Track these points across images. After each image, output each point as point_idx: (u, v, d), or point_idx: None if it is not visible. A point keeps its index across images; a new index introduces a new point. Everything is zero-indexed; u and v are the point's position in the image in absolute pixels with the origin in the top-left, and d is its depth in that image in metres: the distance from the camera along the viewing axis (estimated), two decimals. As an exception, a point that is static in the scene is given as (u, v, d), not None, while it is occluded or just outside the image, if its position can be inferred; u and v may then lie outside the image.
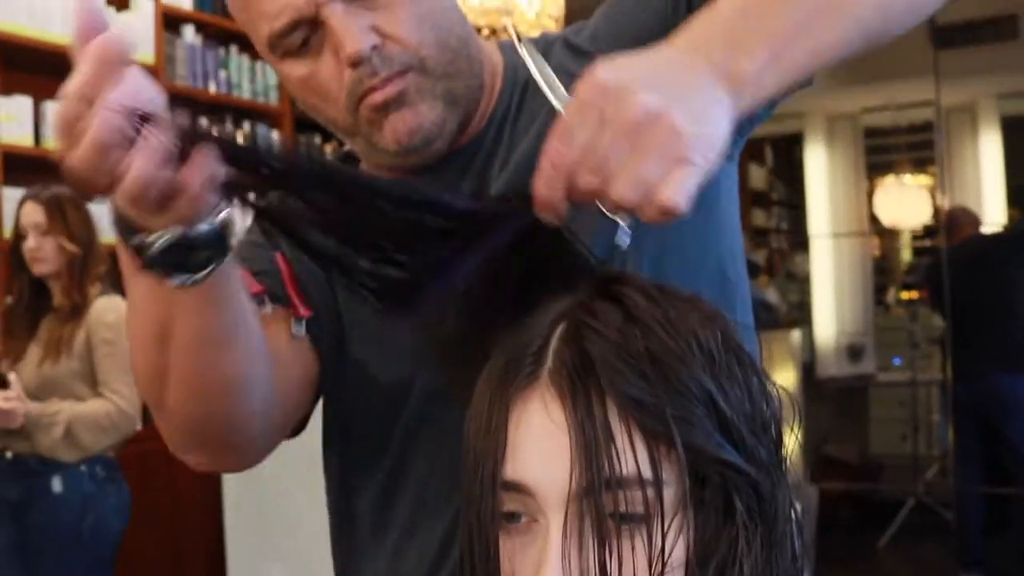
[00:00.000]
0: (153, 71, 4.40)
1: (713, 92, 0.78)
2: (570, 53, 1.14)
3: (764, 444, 0.74)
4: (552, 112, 0.87)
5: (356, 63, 1.01)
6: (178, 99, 0.79)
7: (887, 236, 9.53)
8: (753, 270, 5.63)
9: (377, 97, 1.03)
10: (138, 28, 4.36)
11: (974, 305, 5.53)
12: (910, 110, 9.12)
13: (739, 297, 1.15)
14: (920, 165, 9.34)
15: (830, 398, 8.38)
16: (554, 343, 0.74)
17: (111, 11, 4.27)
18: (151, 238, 0.83)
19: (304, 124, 5.07)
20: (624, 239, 0.79)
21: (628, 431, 0.70)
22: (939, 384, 7.08)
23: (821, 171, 8.99)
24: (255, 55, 3.60)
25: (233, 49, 4.91)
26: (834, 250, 8.90)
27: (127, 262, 0.87)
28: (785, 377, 6.31)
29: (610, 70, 0.78)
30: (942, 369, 6.54)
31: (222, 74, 4.86)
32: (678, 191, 0.74)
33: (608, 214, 0.77)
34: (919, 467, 6.98)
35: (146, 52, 4.38)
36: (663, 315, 0.73)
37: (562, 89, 0.89)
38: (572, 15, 5.14)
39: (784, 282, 9.21)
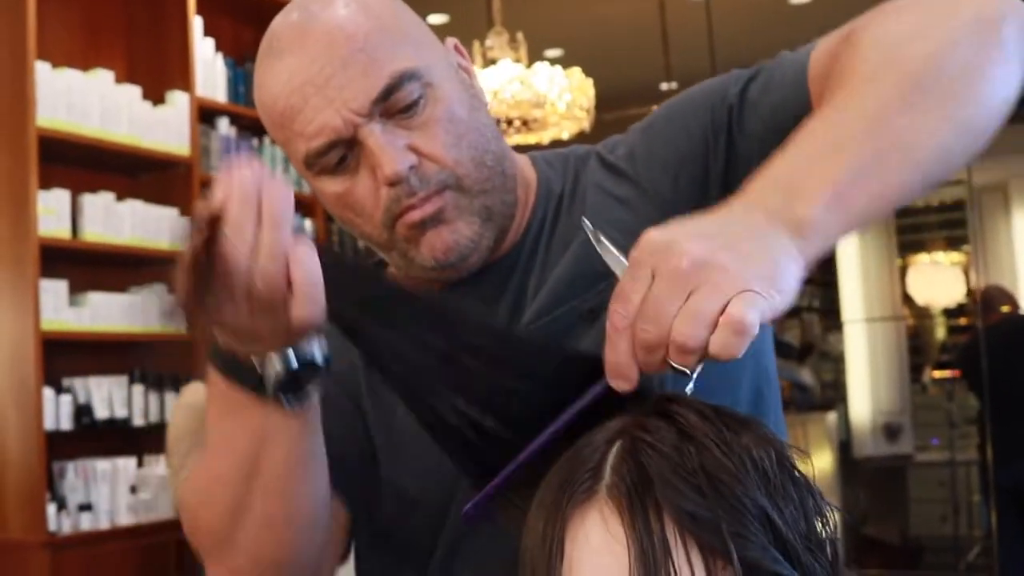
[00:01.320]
0: (188, 163, 4.48)
1: (770, 237, 0.78)
2: (606, 171, 1.15)
3: (820, 563, 0.74)
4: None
5: (394, 183, 1.02)
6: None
7: (921, 315, 9.47)
8: (787, 351, 5.60)
9: (415, 215, 1.05)
10: (173, 121, 4.44)
11: (1011, 385, 5.48)
12: (942, 188, 9.12)
13: (772, 417, 1.16)
14: (953, 243, 9.31)
15: (867, 478, 8.29)
16: (611, 459, 0.75)
17: (147, 105, 4.35)
18: (269, 362, 0.89)
19: (337, 212, 5.12)
20: (690, 387, 0.79)
21: (685, 545, 0.70)
22: (978, 464, 6.99)
23: (853, 249, 8.96)
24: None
25: (267, 140, 4.98)
26: (868, 330, 8.85)
27: (219, 400, 0.94)
28: (822, 458, 6.25)
29: (661, 230, 0.78)
30: (979, 449, 6.46)
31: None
32: (746, 309, 0.73)
33: (676, 367, 0.76)
34: (960, 548, 6.87)
35: (181, 144, 4.46)
36: (717, 433, 0.74)
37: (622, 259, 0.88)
38: (600, 103, 5.20)
39: (818, 361, 9.16)
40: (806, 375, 7.31)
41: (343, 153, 1.04)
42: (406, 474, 1.13)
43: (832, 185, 0.82)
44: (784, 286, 0.76)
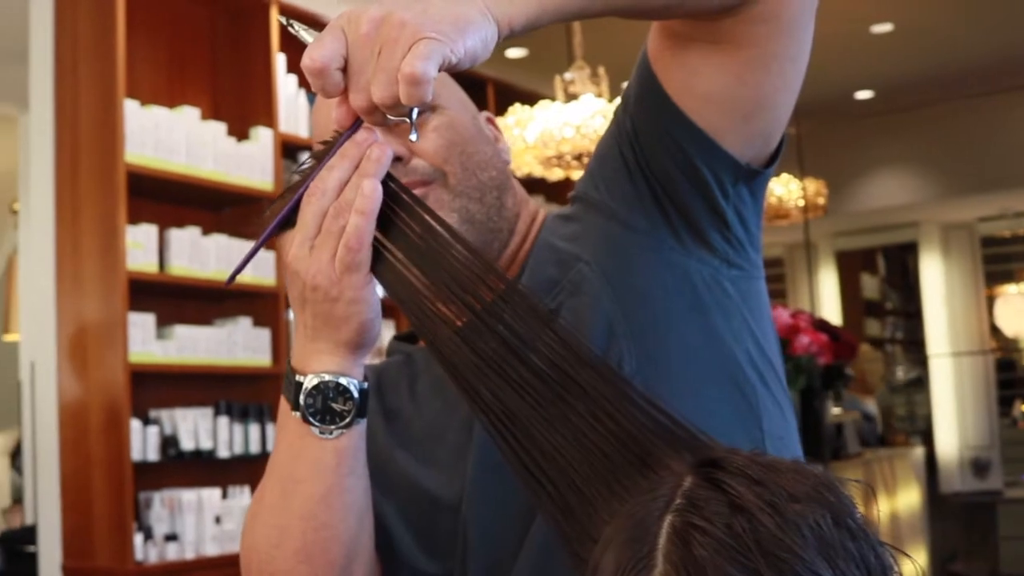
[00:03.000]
0: (272, 197, 4.54)
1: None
2: (568, 200, 1.21)
3: None
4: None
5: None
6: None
7: (1009, 347, 9.27)
8: (845, 380, 5.52)
9: None
10: (257, 156, 4.51)
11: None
12: (1030, 218, 8.94)
13: (766, 404, 1.13)
14: (1041, 273, 9.12)
15: (955, 514, 8.12)
16: (662, 544, 0.72)
17: (232, 141, 4.43)
18: (305, 378, 0.95)
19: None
20: (413, 136, 0.92)
21: None
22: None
23: (938, 281, 8.82)
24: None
25: (348, 174, 5.04)
26: (955, 362, 8.67)
27: (281, 416, 0.99)
28: (909, 494, 6.12)
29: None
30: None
31: (337, 198, 4.98)
32: (414, 61, 0.78)
33: (393, 120, 0.85)
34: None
35: (265, 179, 4.53)
36: (769, 502, 0.71)
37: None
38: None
39: (889, 394, 9.00)
40: (871, 405, 7.18)
41: None
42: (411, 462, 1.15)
43: None
44: (469, 31, 0.81)
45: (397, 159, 1.07)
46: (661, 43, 1.06)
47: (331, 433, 0.97)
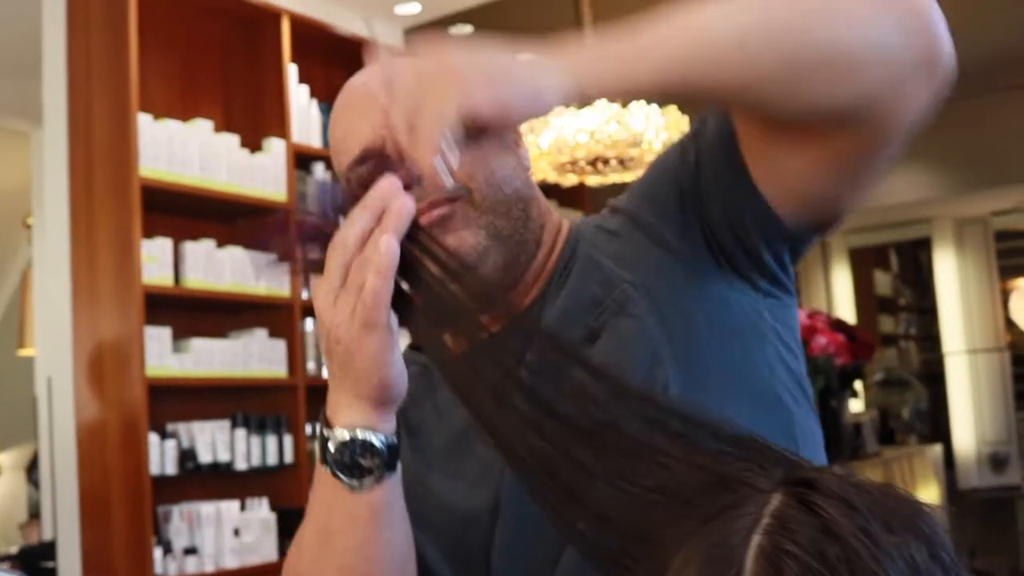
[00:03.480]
0: (286, 208, 4.54)
1: (525, 62, 0.86)
2: (608, 212, 1.20)
3: None
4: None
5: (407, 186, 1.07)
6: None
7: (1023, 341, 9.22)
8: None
9: (422, 220, 1.08)
10: (271, 167, 4.50)
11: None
12: (1043, 211, 8.90)
13: (801, 426, 1.13)
14: (1056, 267, 9.08)
15: (974, 510, 8.08)
16: (749, 565, 0.70)
17: (245, 152, 4.42)
18: (332, 432, 0.95)
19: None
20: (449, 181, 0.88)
21: None
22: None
23: (952, 276, 8.78)
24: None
25: (361, 182, 5.03)
26: (970, 358, 8.64)
27: (317, 463, 0.98)
28: (928, 491, 6.10)
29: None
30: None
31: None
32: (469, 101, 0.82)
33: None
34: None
35: (278, 190, 4.52)
36: (863, 528, 0.69)
37: None
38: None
39: (901, 392, 8.97)
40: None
41: (373, 167, 1.08)
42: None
43: (620, 42, 0.89)
44: (518, 85, 0.84)
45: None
46: (749, 121, 1.03)
47: (361, 487, 0.95)
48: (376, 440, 0.95)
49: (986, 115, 8.06)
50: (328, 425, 0.96)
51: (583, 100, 0.88)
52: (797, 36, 0.90)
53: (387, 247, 0.89)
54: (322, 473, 0.97)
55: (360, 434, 0.94)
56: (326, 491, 0.98)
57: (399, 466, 0.97)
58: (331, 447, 0.95)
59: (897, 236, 9.54)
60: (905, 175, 8.55)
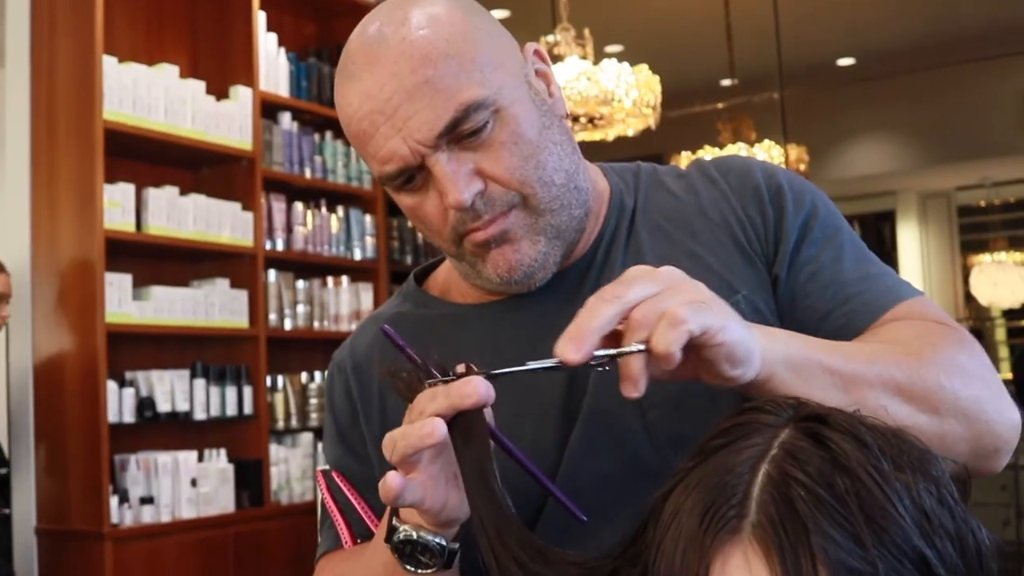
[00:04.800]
0: (251, 157, 4.49)
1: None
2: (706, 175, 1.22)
3: None
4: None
5: (460, 209, 1.04)
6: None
7: (981, 317, 9.32)
8: None
9: (479, 236, 1.07)
10: (237, 116, 4.45)
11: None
12: (1004, 187, 8.98)
13: None
14: (1016, 243, 9.16)
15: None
16: (756, 492, 0.69)
17: (211, 100, 4.36)
18: (400, 527, 0.97)
19: (397, 208, 5.11)
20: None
21: None
22: (1041, 469, 6.89)
23: (914, 250, 8.85)
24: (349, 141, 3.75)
25: (328, 135, 4.98)
26: (929, 330, 8.71)
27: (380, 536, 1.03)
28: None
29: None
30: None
31: (317, 160, 4.93)
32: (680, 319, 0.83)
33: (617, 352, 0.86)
34: (1023, 554, 6.75)
35: (244, 139, 4.47)
36: (875, 466, 0.69)
37: None
38: (668, 100, 5.15)
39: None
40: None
41: (412, 174, 1.05)
42: None
43: (810, 348, 0.96)
44: (735, 323, 0.87)
45: (476, 194, 1.05)
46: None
47: (417, 572, 0.98)
48: (436, 546, 0.97)
49: (952, 89, 8.10)
50: (397, 514, 0.98)
51: (768, 362, 0.91)
52: (936, 408, 0.98)
53: (432, 427, 0.89)
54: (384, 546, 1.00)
55: (421, 536, 0.97)
56: (388, 559, 1.00)
57: (454, 564, 1.00)
58: (395, 538, 0.97)
59: (863, 208, 9.60)
60: (871, 147, 8.58)
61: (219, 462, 4.34)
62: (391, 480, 0.90)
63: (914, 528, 0.67)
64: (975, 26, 7.45)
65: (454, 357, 0.97)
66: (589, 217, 1.15)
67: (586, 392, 1.10)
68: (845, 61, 8.12)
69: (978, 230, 9.31)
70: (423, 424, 0.89)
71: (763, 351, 0.90)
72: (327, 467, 1.24)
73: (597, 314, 0.85)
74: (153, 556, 4.00)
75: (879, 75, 8.15)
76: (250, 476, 4.43)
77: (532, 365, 0.88)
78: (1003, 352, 9.33)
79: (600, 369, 0.86)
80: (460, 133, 1.02)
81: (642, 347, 0.84)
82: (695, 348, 0.85)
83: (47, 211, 4.09)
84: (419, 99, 1.01)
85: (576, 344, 0.84)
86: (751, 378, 0.89)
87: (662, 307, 0.84)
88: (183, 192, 4.30)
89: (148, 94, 4.12)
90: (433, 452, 0.92)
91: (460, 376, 0.90)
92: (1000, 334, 9.58)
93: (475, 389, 0.88)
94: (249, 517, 4.38)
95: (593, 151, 1.21)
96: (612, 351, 0.85)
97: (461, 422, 0.89)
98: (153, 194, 4.16)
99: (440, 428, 0.88)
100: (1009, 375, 7.46)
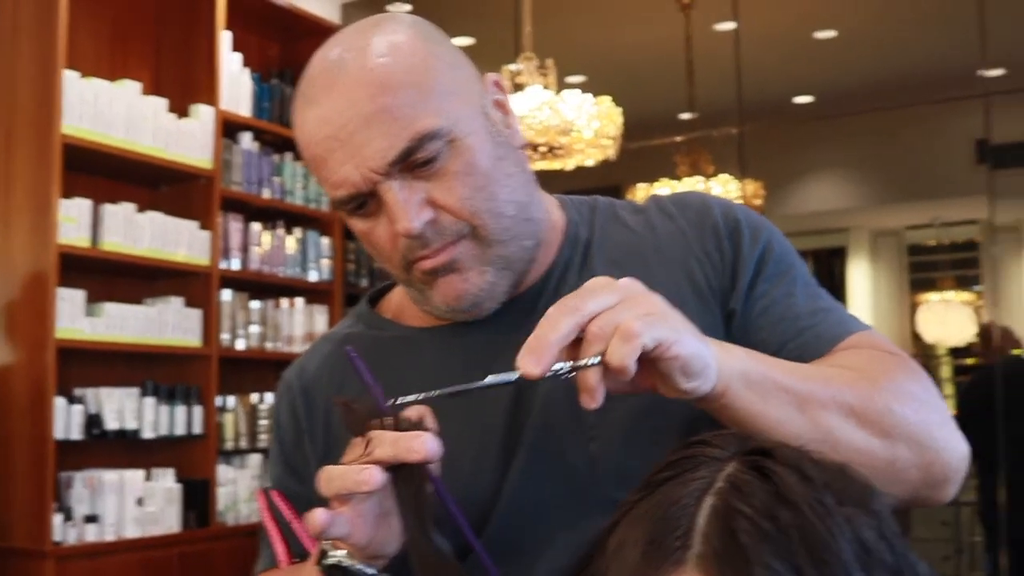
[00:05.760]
0: (210, 176, 4.47)
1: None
2: (667, 208, 1.23)
3: None
4: None
5: (408, 238, 1.05)
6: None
7: (928, 354, 9.43)
8: None
9: (427, 264, 1.07)
10: (197, 134, 4.43)
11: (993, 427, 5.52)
12: (954, 228, 9.12)
13: None
14: (964, 283, 9.29)
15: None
16: (701, 524, 0.70)
17: (172, 117, 4.34)
18: (330, 552, 0.96)
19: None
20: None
21: None
22: (978, 506, 6.99)
23: (865, 286, 8.95)
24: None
25: (288, 156, 4.97)
26: (876, 366, 8.80)
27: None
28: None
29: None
30: (978, 491, 6.48)
31: (276, 180, 4.91)
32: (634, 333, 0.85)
33: (577, 365, 0.87)
34: (962, 590, 6.85)
35: (204, 157, 4.45)
36: (817, 499, 0.70)
37: None
38: (627, 132, 5.19)
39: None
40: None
41: (365, 199, 1.06)
42: None
43: (767, 366, 0.98)
44: (689, 336, 0.89)
45: (426, 223, 1.05)
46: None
47: None
48: (363, 571, 0.96)
49: (904, 129, 8.22)
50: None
51: (725, 377, 0.93)
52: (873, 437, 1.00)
53: (370, 475, 0.90)
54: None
55: (350, 563, 0.96)
56: None
57: None
58: (324, 562, 0.97)
59: (815, 244, 9.69)
60: (826, 184, 8.69)
61: (166, 481, 4.30)
62: (316, 516, 0.91)
63: (854, 562, 0.68)
64: (929, 70, 7.58)
65: (406, 381, 0.98)
66: (542, 247, 1.15)
67: (530, 416, 1.10)
68: (803, 99, 8.21)
69: (927, 269, 9.42)
70: (361, 470, 0.89)
71: (720, 365, 0.92)
72: (268, 485, 1.23)
73: (556, 326, 0.87)
74: (96, 575, 3.96)
75: (836, 114, 8.25)
76: (197, 496, 4.40)
77: (491, 379, 0.89)
78: (948, 389, 9.44)
79: (564, 379, 0.88)
80: (413, 162, 1.03)
81: (597, 360, 0.86)
82: (651, 360, 0.87)
83: (1, 223, 4.04)
84: (374, 127, 1.02)
85: (535, 356, 0.86)
86: (707, 391, 0.91)
87: (617, 320, 0.86)
88: (140, 209, 4.27)
89: (109, 109, 4.10)
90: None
91: (411, 425, 0.91)
92: (946, 371, 9.68)
93: (423, 446, 0.88)
94: (195, 538, 4.34)
95: (551, 180, 1.22)
96: (568, 364, 0.87)
97: (405, 470, 0.90)
98: (110, 210, 4.13)
99: (377, 478, 0.89)
100: (954, 412, 7.56)
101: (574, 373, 0.87)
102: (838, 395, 0.98)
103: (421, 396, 0.92)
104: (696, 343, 0.89)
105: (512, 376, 0.88)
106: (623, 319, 0.86)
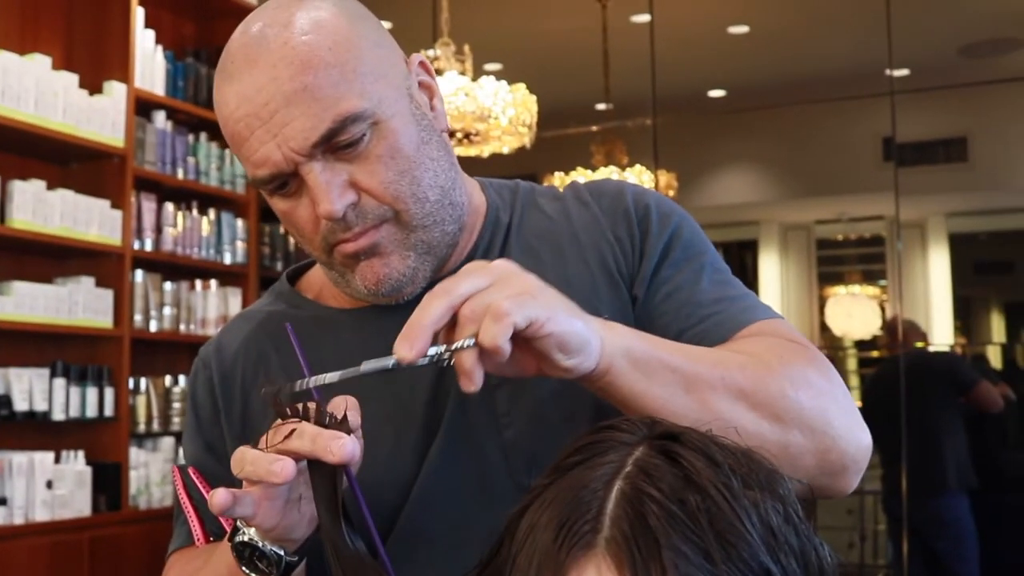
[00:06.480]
0: (122, 154, 4.40)
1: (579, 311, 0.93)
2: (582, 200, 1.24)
3: None
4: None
5: (330, 220, 1.04)
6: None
7: (834, 346, 9.61)
8: None
9: (349, 248, 1.07)
10: (110, 111, 4.36)
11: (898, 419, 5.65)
12: (861, 223, 9.30)
13: None
14: (870, 277, 9.48)
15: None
16: (610, 508, 0.71)
17: (83, 93, 4.26)
18: (242, 528, 0.96)
19: (270, 213, 5.06)
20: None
21: None
22: (881, 495, 7.14)
23: (775, 280, 9.09)
24: (224, 143, 3.66)
25: (203, 136, 4.91)
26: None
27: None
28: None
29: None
30: (882, 480, 6.62)
31: (191, 161, 4.85)
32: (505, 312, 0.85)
33: (450, 349, 0.87)
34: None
35: (116, 135, 4.38)
36: (725, 483, 0.71)
37: None
38: (543, 121, 5.21)
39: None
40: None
41: (286, 180, 1.05)
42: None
43: (653, 345, 0.97)
44: (563, 313, 0.88)
45: (348, 206, 1.04)
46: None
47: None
48: (272, 551, 0.96)
49: (814, 126, 8.37)
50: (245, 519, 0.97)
51: (608, 354, 0.92)
52: (771, 420, 0.99)
53: (282, 467, 0.88)
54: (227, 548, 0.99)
55: (260, 542, 0.96)
56: (230, 560, 0.99)
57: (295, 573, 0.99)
58: (236, 539, 0.96)
59: (726, 236, 9.81)
60: (737, 178, 8.82)
61: (76, 464, 4.22)
62: (218, 496, 0.90)
63: (761, 545, 0.70)
64: (838, 68, 7.73)
65: (324, 362, 0.98)
66: (464, 231, 1.16)
67: (447, 404, 1.11)
68: (716, 93, 8.32)
69: (835, 263, 9.59)
70: (274, 460, 0.88)
71: (602, 343, 0.91)
72: (184, 463, 1.22)
73: (428, 310, 0.86)
74: (3, 559, 3.86)
75: (747, 108, 8.38)
76: (108, 479, 4.32)
77: (367, 365, 0.88)
78: (854, 381, 9.63)
79: (443, 365, 0.88)
80: (336, 144, 1.02)
81: (471, 342, 0.85)
82: (528, 340, 0.87)
83: (-95, 199, 3.94)
84: (296, 106, 1.00)
85: (409, 342, 0.85)
86: (589, 368, 0.90)
87: (487, 300, 0.86)
88: (50, 186, 4.19)
89: (18, 84, 4.01)
90: None
91: (335, 421, 0.90)
92: (852, 364, 9.87)
93: (341, 449, 0.87)
94: (106, 521, 4.27)
95: (468, 167, 1.22)
96: (443, 347, 0.87)
97: (321, 465, 0.89)
98: (19, 187, 4.05)
99: (288, 471, 0.88)
100: (859, 403, 7.70)
101: (451, 357, 0.87)
102: (727, 377, 0.97)
103: (312, 380, 0.90)
104: (572, 320, 0.89)
105: (388, 361, 0.87)
106: (494, 299, 0.85)
